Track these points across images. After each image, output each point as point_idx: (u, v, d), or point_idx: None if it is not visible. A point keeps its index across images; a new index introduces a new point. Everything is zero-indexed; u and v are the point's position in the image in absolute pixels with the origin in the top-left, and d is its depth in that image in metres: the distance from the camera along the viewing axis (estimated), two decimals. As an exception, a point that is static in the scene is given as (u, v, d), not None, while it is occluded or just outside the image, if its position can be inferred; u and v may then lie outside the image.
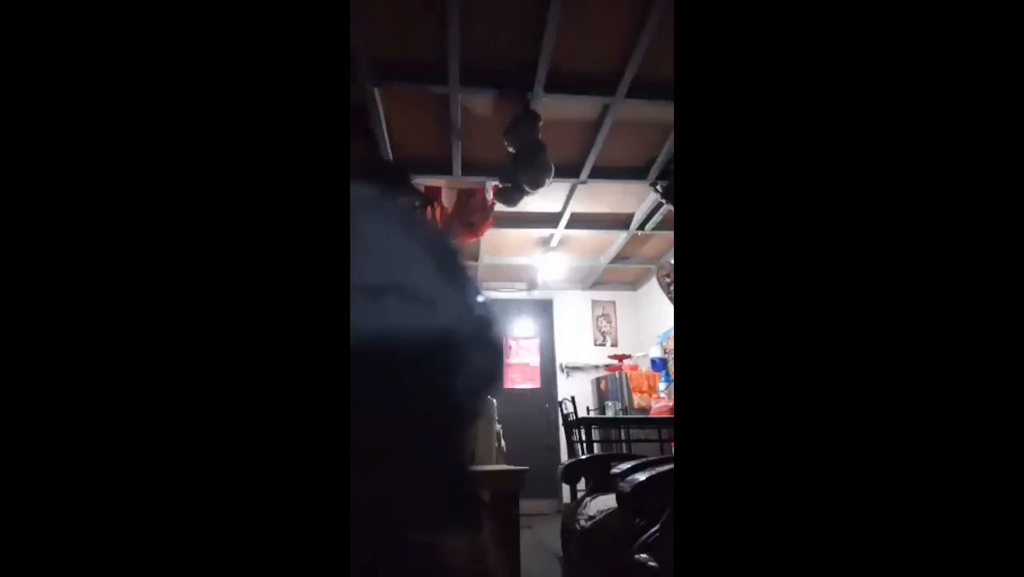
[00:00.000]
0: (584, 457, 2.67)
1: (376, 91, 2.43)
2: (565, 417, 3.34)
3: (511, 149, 2.60)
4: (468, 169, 3.03)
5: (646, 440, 3.43)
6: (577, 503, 1.97)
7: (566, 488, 3.27)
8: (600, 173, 3.17)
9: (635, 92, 2.48)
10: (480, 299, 0.78)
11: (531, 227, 3.93)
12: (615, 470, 1.59)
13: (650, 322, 5.12)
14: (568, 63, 2.35)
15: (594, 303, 5.55)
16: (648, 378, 4.51)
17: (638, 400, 4.36)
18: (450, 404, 0.74)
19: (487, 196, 3.27)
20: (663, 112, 2.63)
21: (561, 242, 4.27)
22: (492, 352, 0.78)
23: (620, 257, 4.62)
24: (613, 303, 5.58)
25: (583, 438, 3.24)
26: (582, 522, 1.72)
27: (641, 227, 3.88)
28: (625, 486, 1.31)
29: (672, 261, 4.35)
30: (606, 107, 2.61)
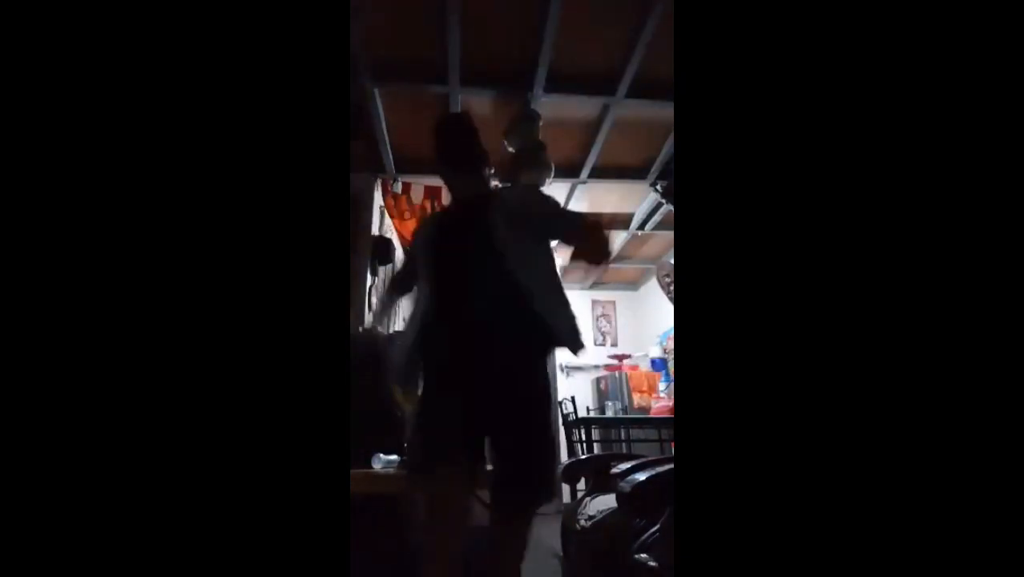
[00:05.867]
0: (584, 457, 2.66)
1: (376, 91, 2.43)
2: (565, 417, 3.34)
3: (511, 149, 2.60)
4: (468, 169, 3.02)
5: (646, 440, 3.43)
6: (577, 503, 1.97)
7: (566, 488, 3.27)
8: (600, 173, 3.17)
9: (635, 92, 2.48)
10: None
11: (531, 227, 3.92)
12: (615, 470, 1.59)
13: (650, 322, 5.12)
14: (568, 63, 2.35)
15: (594, 303, 5.55)
16: (648, 378, 4.51)
17: (638, 400, 4.36)
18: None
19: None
20: (663, 112, 2.63)
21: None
22: None
23: (620, 257, 4.62)
24: (613, 303, 5.58)
25: (583, 438, 3.24)
26: (582, 522, 1.72)
27: (641, 227, 3.88)
28: (625, 486, 1.31)
29: (672, 261, 4.34)
30: (606, 107, 2.61)
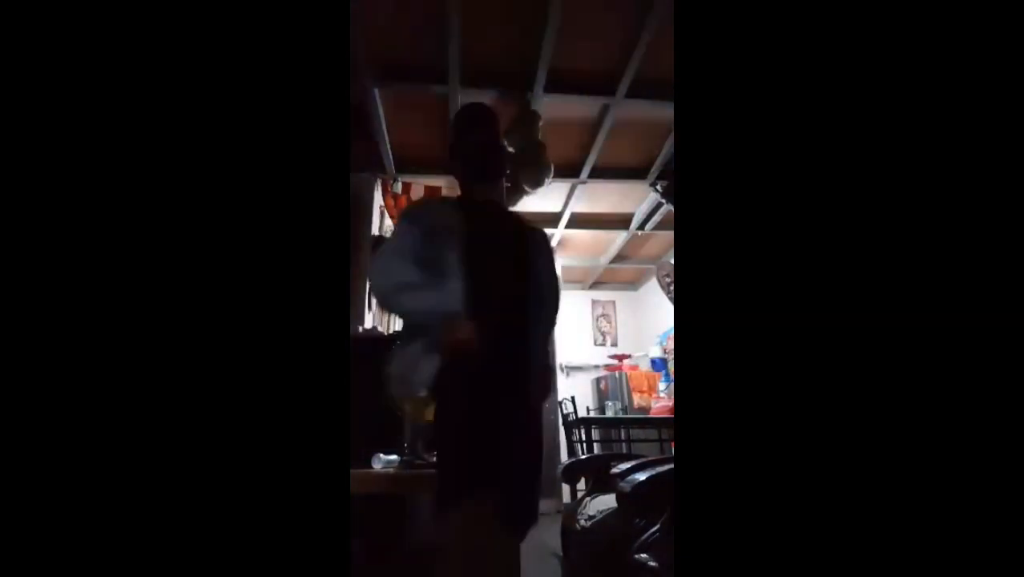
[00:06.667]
0: (584, 457, 2.66)
1: (376, 91, 2.43)
2: (565, 417, 3.34)
3: (511, 149, 2.60)
4: (468, 169, 3.03)
5: (646, 440, 3.43)
6: (577, 503, 1.97)
7: (566, 488, 3.27)
8: (600, 173, 3.17)
9: (635, 92, 2.48)
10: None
11: (531, 227, 3.93)
12: (615, 470, 1.59)
13: (650, 322, 5.12)
14: (568, 63, 2.35)
15: (594, 303, 5.55)
16: (648, 378, 4.51)
17: (638, 400, 4.36)
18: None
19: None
20: (663, 112, 2.63)
21: (561, 242, 4.27)
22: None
23: (620, 257, 4.62)
24: (613, 303, 5.59)
25: (583, 438, 3.23)
26: (582, 522, 1.72)
27: (641, 227, 3.88)
28: (625, 486, 1.31)
29: (672, 261, 4.35)
30: (606, 107, 2.61)
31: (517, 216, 1.36)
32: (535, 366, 1.26)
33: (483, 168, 1.29)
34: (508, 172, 1.45)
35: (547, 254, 1.36)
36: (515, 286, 1.20)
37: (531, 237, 1.31)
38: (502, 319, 1.15)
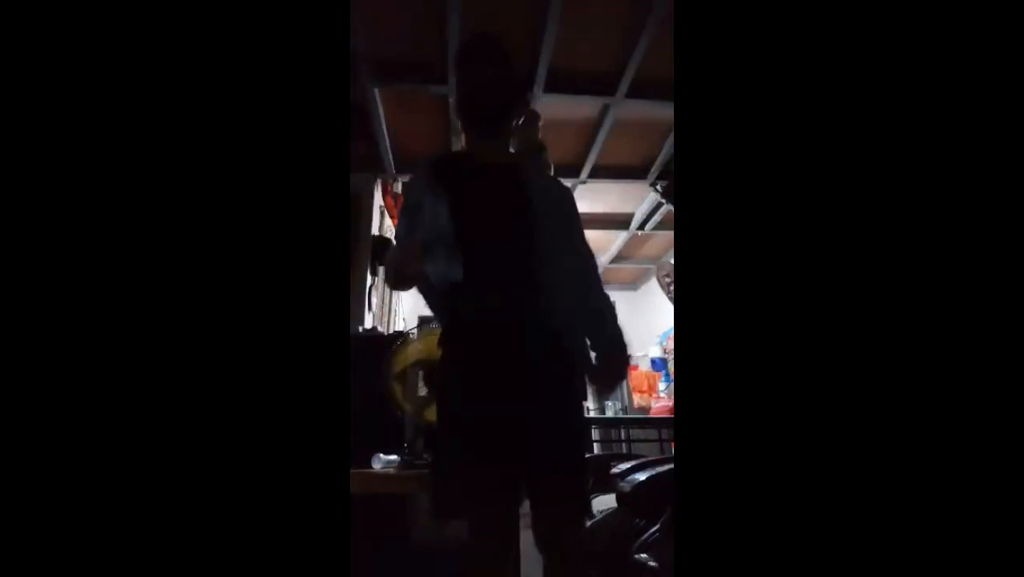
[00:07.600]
0: (584, 457, 2.66)
1: (376, 91, 2.43)
2: (565, 417, 3.33)
3: (512, 150, 2.60)
4: (468, 169, 3.03)
5: (646, 440, 3.43)
6: (577, 503, 1.96)
7: (566, 488, 3.26)
8: (600, 173, 3.17)
9: (635, 92, 2.48)
10: None
11: (531, 227, 3.93)
12: (615, 470, 1.59)
13: (650, 322, 5.12)
14: (568, 63, 2.35)
15: (594, 303, 5.55)
16: (648, 378, 4.51)
17: (638, 400, 4.36)
18: None
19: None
20: (663, 112, 2.63)
21: (561, 242, 4.27)
22: None
23: (620, 257, 4.62)
24: (613, 303, 5.58)
25: (583, 438, 3.23)
26: (582, 522, 1.72)
27: (641, 227, 3.88)
28: (625, 486, 1.31)
29: (672, 261, 4.35)
30: (606, 107, 2.61)
31: (525, 179, 1.16)
32: (601, 349, 1.17)
33: (472, 116, 1.11)
34: (519, 122, 1.27)
35: (566, 215, 1.21)
36: (511, 273, 1.06)
37: (543, 199, 1.14)
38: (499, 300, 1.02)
